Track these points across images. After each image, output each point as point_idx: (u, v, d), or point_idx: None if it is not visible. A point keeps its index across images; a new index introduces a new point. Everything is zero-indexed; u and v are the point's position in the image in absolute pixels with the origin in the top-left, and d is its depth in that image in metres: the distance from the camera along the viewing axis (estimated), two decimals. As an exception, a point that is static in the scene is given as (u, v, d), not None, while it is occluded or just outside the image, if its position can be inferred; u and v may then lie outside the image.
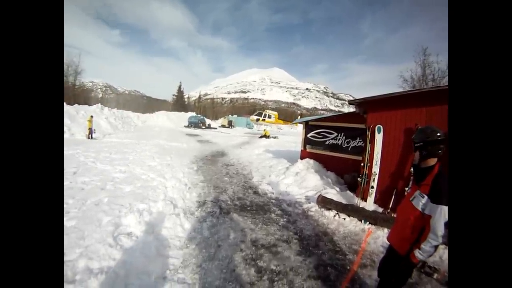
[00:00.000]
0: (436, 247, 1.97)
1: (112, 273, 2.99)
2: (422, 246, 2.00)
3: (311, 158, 8.93)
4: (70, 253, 3.22)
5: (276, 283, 3.14)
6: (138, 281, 2.98)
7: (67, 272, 2.89)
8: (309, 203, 6.06)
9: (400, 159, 5.50)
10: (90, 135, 15.58)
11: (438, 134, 2.12)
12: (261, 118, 33.35)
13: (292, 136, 32.28)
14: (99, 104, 27.96)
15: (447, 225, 1.85)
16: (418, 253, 2.03)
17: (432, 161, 2.15)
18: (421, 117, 5.07)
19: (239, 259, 3.58)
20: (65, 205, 4.68)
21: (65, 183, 5.99)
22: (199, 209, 5.41)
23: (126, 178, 7.06)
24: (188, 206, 5.51)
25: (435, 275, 2.99)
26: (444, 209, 1.90)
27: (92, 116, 16.26)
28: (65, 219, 4.15)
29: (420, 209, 2.06)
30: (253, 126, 37.83)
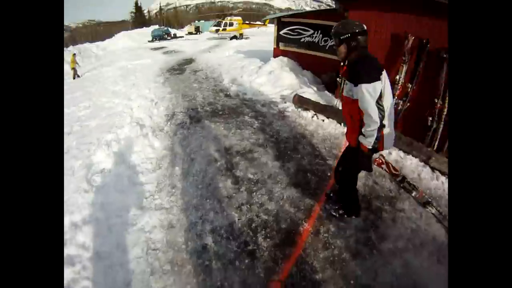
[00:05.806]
0: (375, 128, 1.97)
1: (94, 220, 2.88)
2: (362, 130, 2.07)
3: (285, 56, 8.32)
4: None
5: (255, 194, 3.06)
6: (119, 219, 2.89)
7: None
8: (285, 102, 5.81)
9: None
10: (76, 75, 13.61)
11: (354, 27, 2.10)
12: (220, 28, 29.15)
13: (265, 36, 30.47)
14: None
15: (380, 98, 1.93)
16: (361, 139, 2.10)
17: (354, 54, 2.12)
18: (411, 25, 4.27)
19: (214, 171, 3.47)
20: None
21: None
22: (168, 123, 5.21)
23: (90, 113, 6.63)
24: (157, 122, 5.29)
25: (414, 193, 2.99)
26: (365, 86, 1.89)
27: (74, 54, 14.12)
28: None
29: (351, 97, 2.09)
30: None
